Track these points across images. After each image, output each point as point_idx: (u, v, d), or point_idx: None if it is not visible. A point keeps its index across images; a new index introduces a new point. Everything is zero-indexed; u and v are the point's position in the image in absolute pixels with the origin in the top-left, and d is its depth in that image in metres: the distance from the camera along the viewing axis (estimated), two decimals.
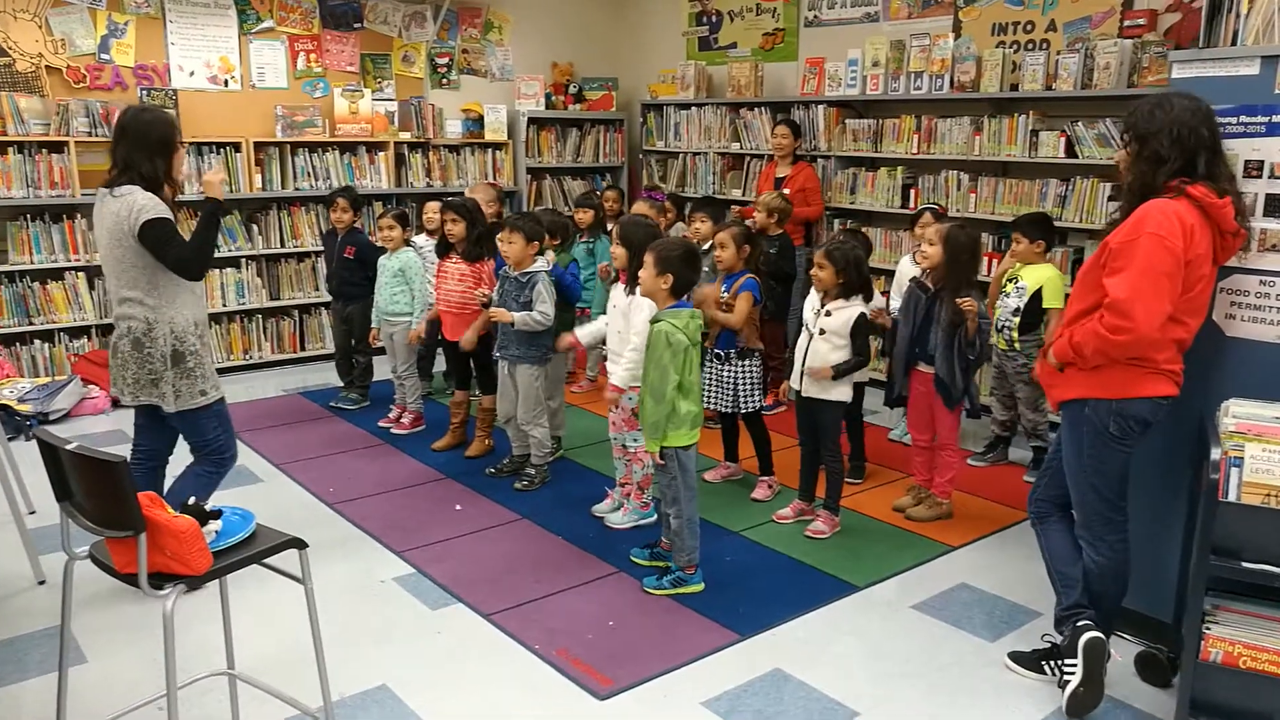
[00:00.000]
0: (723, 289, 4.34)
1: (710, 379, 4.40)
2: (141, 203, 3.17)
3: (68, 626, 2.45)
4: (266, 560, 2.42)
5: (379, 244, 5.40)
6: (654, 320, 3.51)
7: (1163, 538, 3.08)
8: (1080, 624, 2.82)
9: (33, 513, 4.14)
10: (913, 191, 6.06)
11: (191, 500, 2.39)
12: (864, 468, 4.77)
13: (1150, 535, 3.08)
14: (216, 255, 6.33)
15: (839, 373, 3.96)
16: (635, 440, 4.11)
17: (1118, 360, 2.68)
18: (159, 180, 3.25)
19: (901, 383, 4.26)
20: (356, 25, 7.13)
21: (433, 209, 5.58)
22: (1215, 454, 2.49)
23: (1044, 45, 5.62)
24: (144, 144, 3.22)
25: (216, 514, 2.37)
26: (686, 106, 7.56)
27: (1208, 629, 2.56)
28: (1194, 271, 2.61)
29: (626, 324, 3.97)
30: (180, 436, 3.52)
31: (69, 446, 2.16)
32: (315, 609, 2.54)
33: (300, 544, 2.44)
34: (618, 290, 4.14)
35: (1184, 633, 2.64)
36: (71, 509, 2.28)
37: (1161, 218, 2.58)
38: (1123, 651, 3.07)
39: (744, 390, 4.34)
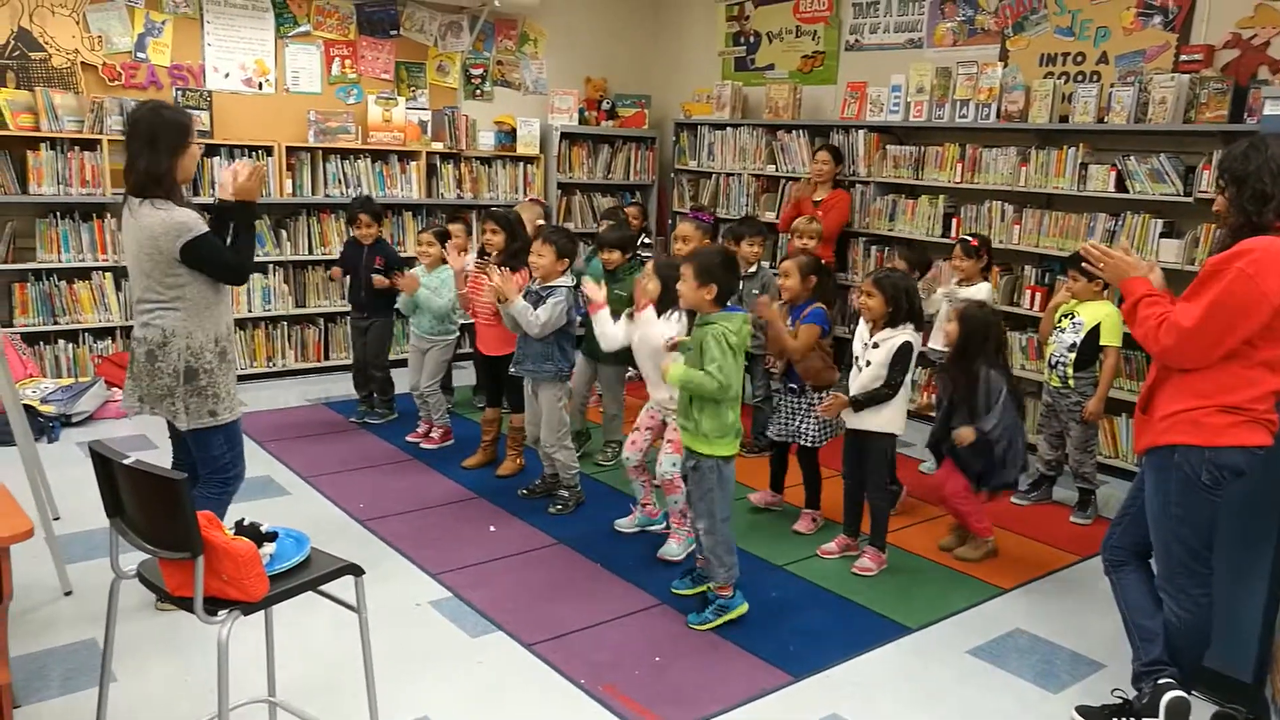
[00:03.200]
0: (788, 320, 4.23)
1: (782, 410, 4.29)
2: (182, 220, 3.07)
3: (110, 649, 2.33)
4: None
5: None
6: (702, 323, 3.38)
7: (1242, 591, 2.95)
8: (1162, 682, 2.69)
9: (57, 519, 4.01)
10: (954, 220, 5.96)
11: (246, 521, 2.27)
12: (898, 494, 4.64)
13: (1230, 590, 2.95)
14: None
15: (857, 405, 3.85)
16: (674, 465, 4.01)
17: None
18: (163, 178, 3.12)
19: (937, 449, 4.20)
20: (393, 33, 7.06)
21: (456, 232, 5.48)
22: None
23: (1095, 77, 5.54)
24: (153, 142, 3.09)
25: (272, 536, 2.26)
26: (721, 126, 7.48)
27: None
28: None
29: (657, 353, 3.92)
30: None
31: (127, 461, 2.05)
32: (369, 638, 2.42)
33: (357, 570, 2.33)
34: (646, 314, 4.05)
35: (1273, 699, 2.51)
36: (123, 525, 2.16)
37: (1261, 255, 2.48)
38: (1198, 711, 2.93)
39: (807, 423, 4.20)
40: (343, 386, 6.25)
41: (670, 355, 3.72)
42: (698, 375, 3.28)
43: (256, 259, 6.28)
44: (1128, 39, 5.41)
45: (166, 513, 2.01)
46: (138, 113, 3.17)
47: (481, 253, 4.89)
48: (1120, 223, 5.13)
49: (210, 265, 3.15)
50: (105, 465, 2.11)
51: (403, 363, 5.55)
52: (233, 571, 2.04)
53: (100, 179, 5.75)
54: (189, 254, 3.08)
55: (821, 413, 3.96)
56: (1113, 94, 5.19)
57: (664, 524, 4.24)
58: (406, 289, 5.13)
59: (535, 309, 4.23)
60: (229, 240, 3.25)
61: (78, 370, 5.87)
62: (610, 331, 4.08)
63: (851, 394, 3.88)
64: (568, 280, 4.36)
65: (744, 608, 3.49)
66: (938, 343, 4.94)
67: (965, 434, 3.92)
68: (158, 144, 3.09)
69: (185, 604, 2.07)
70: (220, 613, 2.07)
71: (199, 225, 3.11)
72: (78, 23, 5.83)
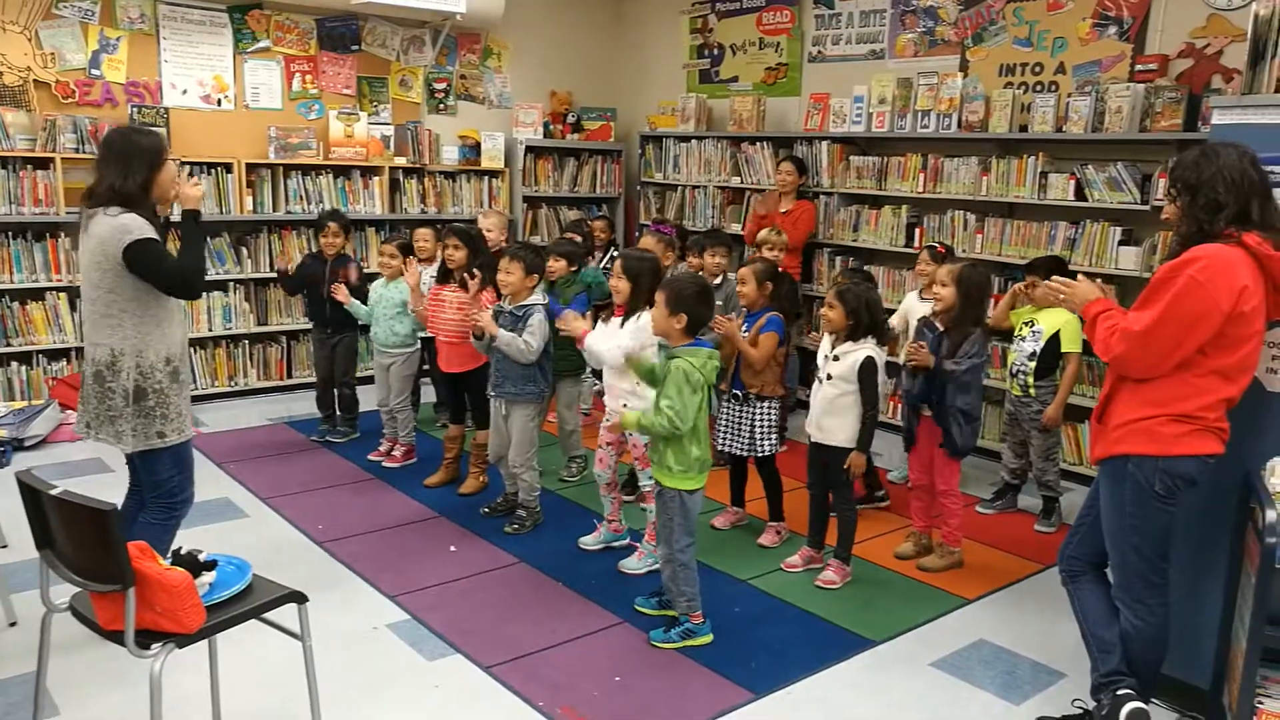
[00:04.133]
0: (744, 326, 4.21)
1: (725, 420, 4.26)
2: (125, 223, 3.01)
3: (43, 684, 2.26)
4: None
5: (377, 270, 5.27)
6: (670, 356, 3.37)
7: (1199, 600, 2.95)
8: (1121, 693, 2.68)
9: (4, 546, 3.93)
10: (917, 230, 5.98)
11: (183, 549, 2.21)
12: (885, 495, 4.81)
13: (1186, 597, 2.95)
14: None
15: (863, 447, 3.86)
16: (650, 478, 3.96)
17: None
18: (134, 196, 3.08)
19: (911, 424, 4.15)
20: (354, 47, 7.01)
21: (424, 236, 5.44)
22: (1271, 516, 2.37)
23: (1053, 87, 5.58)
24: (126, 161, 3.06)
25: (211, 564, 2.20)
26: (686, 139, 7.47)
27: (1260, 703, 2.43)
28: (1245, 327, 2.51)
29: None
30: None
31: (53, 491, 1.98)
32: (313, 666, 2.37)
33: (300, 598, 2.27)
34: (613, 324, 4.02)
35: (1230, 708, 2.50)
36: (53, 558, 2.10)
37: (1210, 263, 2.48)
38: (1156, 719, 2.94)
39: (760, 433, 4.19)
40: (305, 405, 6.17)
41: (628, 400, 3.80)
42: (647, 419, 3.29)
43: (216, 276, 6.25)
44: (1084, 49, 5.46)
45: (96, 544, 1.95)
46: (110, 136, 3.15)
47: (443, 269, 4.84)
48: (1080, 231, 5.16)
49: (153, 271, 3.06)
50: (33, 496, 2.04)
51: (369, 379, 5.48)
52: (166, 603, 1.98)
53: (53, 198, 5.66)
54: (132, 256, 3.00)
55: (848, 467, 3.89)
56: (1070, 103, 5.23)
57: (628, 540, 4.20)
58: (340, 296, 5.20)
59: (521, 335, 4.16)
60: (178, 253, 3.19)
61: (31, 393, 5.76)
62: (601, 353, 3.92)
63: (856, 446, 3.87)
64: (540, 298, 4.32)
65: (709, 638, 3.45)
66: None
67: (922, 352, 3.92)
68: (130, 163, 3.06)
69: (118, 638, 2.01)
70: (154, 646, 2.01)
71: (144, 229, 3.04)
72: (29, 39, 5.74)
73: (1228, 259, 2.50)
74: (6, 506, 4.04)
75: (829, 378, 3.89)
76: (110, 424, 3.09)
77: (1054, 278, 2.94)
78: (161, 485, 3.20)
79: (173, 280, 3.11)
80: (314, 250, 5.65)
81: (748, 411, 4.19)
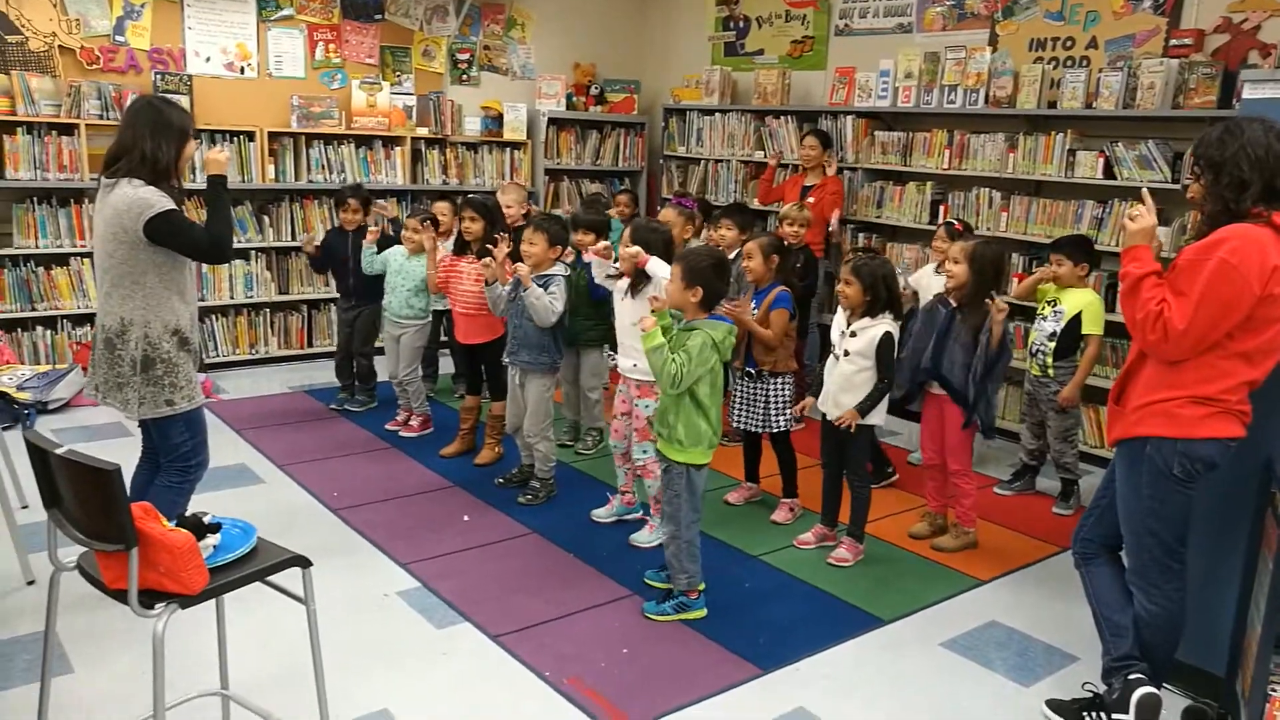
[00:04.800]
0: (753, 303, 4.17)
1: (740, 397, 4.24)
2: (144, 196, 3.00)
3: (51, 639, 2.29)
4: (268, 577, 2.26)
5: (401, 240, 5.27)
6: (688, 328, 3.32)
7: (1215, 585, 2.90)
8: (1132, 677, 2.65)
9: (25, 507, 3.98)
10: (942, 207, 5.89)
11: (189, 512, 2.23)
12: (893, 471, 4.86)
13: (1202, 582, 2.90)
14: None
15: (863, 410, 3.80)
16: (645, 452, 3.95)
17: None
18: (166, 169, 3.09)
19: (911, 392, 4.09)
20: (377, 17, 6.98)
21: (441, 209, 5.42)
22: None
23: (1084, 62, 5.46)
24: (160, 130, 3.06)
25: (216, 527, 2.21)
26: (710, 112, 7.39)
27: (1273, 691, 2.39)
28: (1273, 309, 2.44)
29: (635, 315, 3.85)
30: None
31: (59, 450, 2.00)
32: (317, 630, 2.38)
33: (304, 562, 2.28)
34: (622, 288, 3.99)
35: (1243, 695, 2.46)
36: (60, 517, 2.11)
37: (1239, 244, 2.42)
38: (1169, 705, 2.89)
39: (774, 409, 4.16)
40: (325, 374, 6.20)
41: (639, 360, 3.70)
42: (664, 351, 3.19)
43: (238, 245, 6.27)
44: (1118, 23, 5.33)
45: (100, 504, 1.97)
46: (140, 105, 3.14)
47: (460, 241, 4.83)
48: (1108, 210, 5.06)
49: (179, 241, 3.08)
50: (41, 456, 2.06)
51: (383, 351, 5.51)
52: (170, 564, 1.99)
53: (78, 164, 5.69)
54: (154, 230, 3.01)
55: (839, 424, 3.85)
56: (1101, 79, 5.11)
57: (640, 513, 4.20)
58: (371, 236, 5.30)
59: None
60: (206, 219, 3.20)
61: (55, 357, 5.82)
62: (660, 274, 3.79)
63: (855, 407, 3.81)
64: (561, 269, 4.30)
65: (702, 613, 3.44)
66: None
67: (1001, 306, 3.78)
68: (164, 135, 3.06)
69: (122, 597, 2.02)
70: (157, 606, 2.02)
71: (163, 202, 3.04)
72: (55, 5, 5.75)
73: (1257, 239, 2.43)
74: (26, 467, 4.10)
75: (846, 354, 3.85)
76: (119, 390, 3.12)
77: (1145, 195, 2.78)
78: (175, 450, 3.23)
79: (203, 247, 3.13)
80: (336, 225, 5.67)
81: (761, 388, 4.16)
